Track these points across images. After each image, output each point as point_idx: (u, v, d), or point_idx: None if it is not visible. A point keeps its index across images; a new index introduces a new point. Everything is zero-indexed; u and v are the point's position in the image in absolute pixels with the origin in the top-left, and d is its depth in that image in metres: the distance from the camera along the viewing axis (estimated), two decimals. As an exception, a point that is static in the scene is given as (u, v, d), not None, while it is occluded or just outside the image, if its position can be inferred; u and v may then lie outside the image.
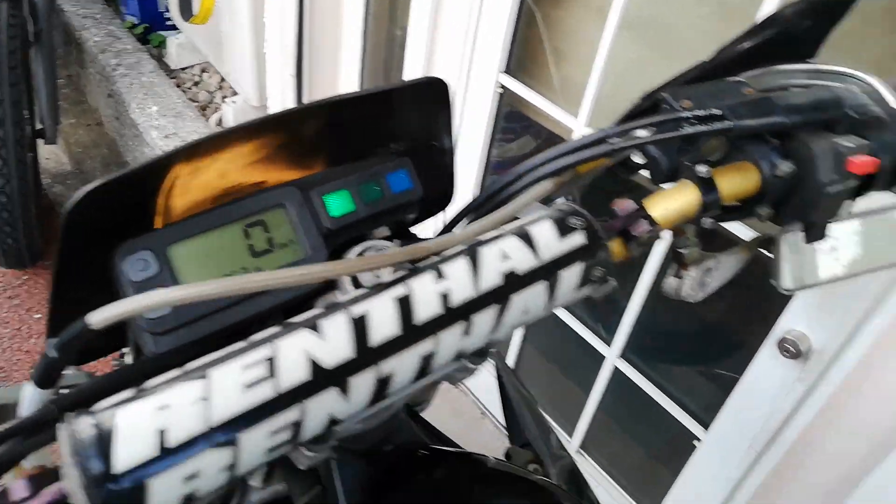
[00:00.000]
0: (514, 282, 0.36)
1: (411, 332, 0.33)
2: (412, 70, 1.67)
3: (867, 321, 0.95)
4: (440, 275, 0.35)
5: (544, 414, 0.74)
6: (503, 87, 1.48)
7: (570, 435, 1.60)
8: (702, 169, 0.45)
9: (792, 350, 1.04)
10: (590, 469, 1.58)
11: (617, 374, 1.42)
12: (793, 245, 0.56)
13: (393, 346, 0.32)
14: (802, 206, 0.46)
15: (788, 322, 1.05)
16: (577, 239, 0.39)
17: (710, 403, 1.24)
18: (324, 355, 0.31)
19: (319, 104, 0.46)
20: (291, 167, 0.50)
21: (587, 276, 0.39)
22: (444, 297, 0.34)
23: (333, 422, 0.32)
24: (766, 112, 0.45)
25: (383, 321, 0.32)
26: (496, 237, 0.37)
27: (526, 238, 0.38)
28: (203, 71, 3.01)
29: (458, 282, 0.35)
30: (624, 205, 0.45)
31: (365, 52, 1.96)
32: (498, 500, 0.45)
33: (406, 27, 1.65)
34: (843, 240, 0.58)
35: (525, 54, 1.47)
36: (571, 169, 0.47)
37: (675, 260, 0.52)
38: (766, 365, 1.11)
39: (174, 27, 3.01)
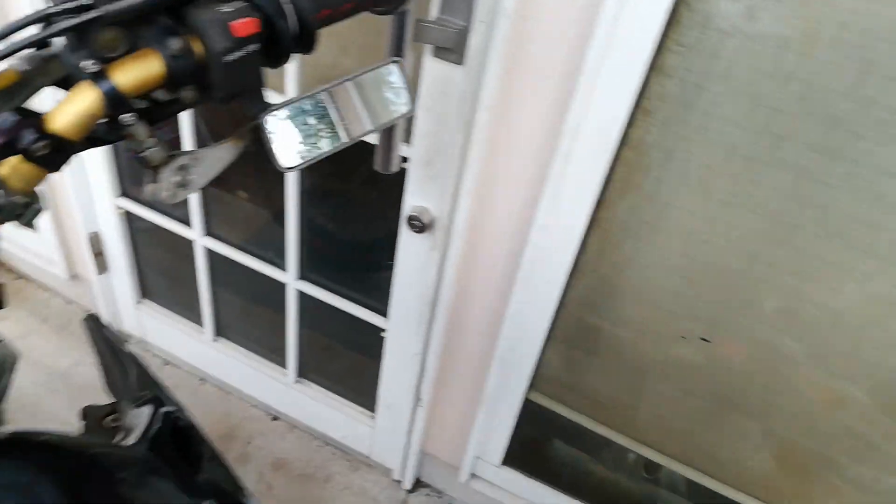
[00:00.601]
0: None
1: None
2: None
3: (461, 181, 1.06)
4: None
5: (150, 371, 0.71)
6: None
7: (285, 367, 1.61)
8: (87, 64, 0.43)
9: (419, 224, 1.13)
10: (312, 394, 1.62)
11: (303, 297, 1.44)
12: (276, 126, 0.58)
13: None
14: (218, 80, 0.47)
15: (410, 200, 1.14)
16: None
17: (383, 295, 1.32)
18: None
19: None
20: None
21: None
22: None
23: None
24: None
25: None
26: None
27: None
28: None
29: None
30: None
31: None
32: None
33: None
34: (321, 111, 0.62)
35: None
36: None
37: (141, 165, 0.51)
38: (407, 245, 1.20)
39: None
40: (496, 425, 1.39)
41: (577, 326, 1.21)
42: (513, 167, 1.03)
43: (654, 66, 0.86)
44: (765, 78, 0.82)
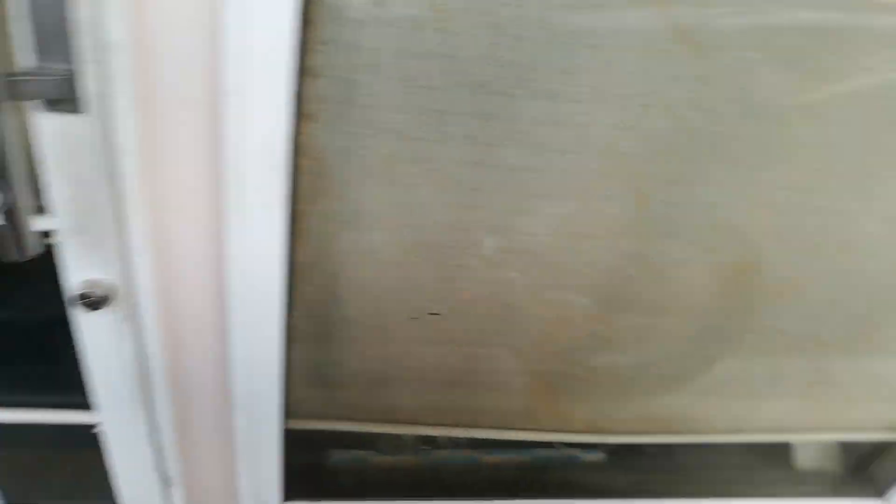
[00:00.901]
0: None
1: None
2: None
3: (128, 240, 0.91)
4: None
5: None
6: None
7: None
8: None
9: (92, 300, 0.95)
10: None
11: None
12: None
13: None
14: None
15: (74, 276, 0.94)
16: None
17: (77, 387, 1.10)
18: None
19: None
20: None
21: None
22: None
23: None
24: None
25: None
26: None
27: None
28: None
29: None
30: None
31: None
32: None
33: None
34: None
35: None
36: None
37: None
38: (88, 326, 1.01)
39: None
40: (263, 468, 1.28)
41: (313, 343, 1.15)
42: (186, 209, 0.91)
43: (303, 69, 0.80)
44: (411, 59, 0.81)
